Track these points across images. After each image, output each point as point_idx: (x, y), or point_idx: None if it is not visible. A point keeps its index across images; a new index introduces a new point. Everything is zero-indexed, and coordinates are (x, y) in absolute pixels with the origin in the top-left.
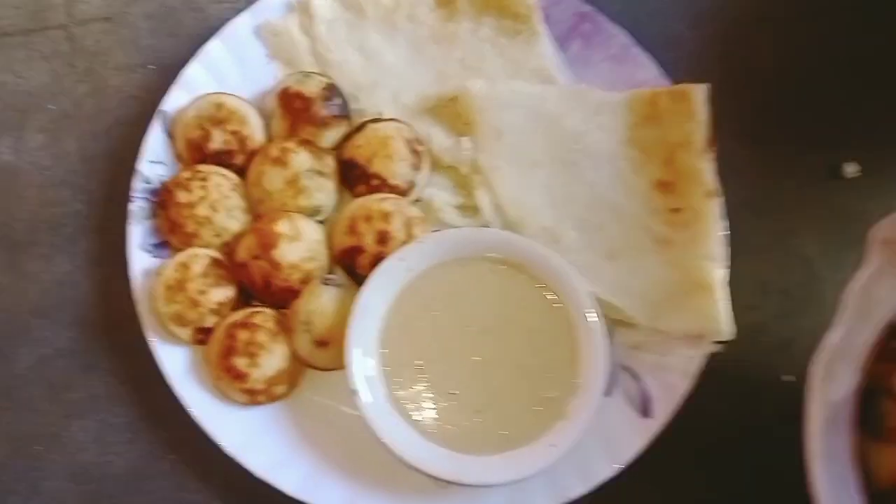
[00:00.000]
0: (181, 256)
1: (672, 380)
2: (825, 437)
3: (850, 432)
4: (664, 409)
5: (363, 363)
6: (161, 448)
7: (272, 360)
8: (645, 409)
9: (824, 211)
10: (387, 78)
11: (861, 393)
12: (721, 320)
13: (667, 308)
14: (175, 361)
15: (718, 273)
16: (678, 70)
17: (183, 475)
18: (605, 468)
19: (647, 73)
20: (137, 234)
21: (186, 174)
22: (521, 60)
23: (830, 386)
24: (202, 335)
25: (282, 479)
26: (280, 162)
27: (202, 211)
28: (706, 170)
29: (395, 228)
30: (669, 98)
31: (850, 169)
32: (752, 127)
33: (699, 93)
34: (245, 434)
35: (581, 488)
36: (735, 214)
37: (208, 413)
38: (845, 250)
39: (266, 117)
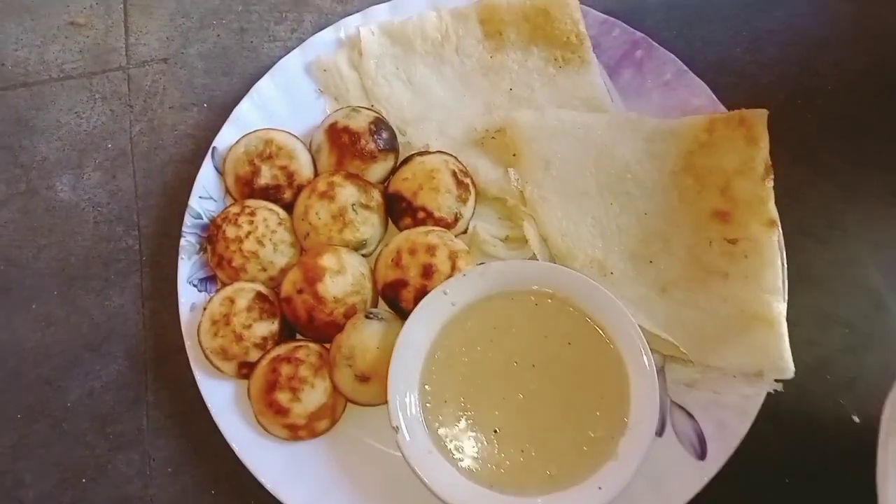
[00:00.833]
0: (227, 290)
1: (729, 419)
2: None
3: None
4: (720, 450)
5: (405, 399)
6: (202, 482)
7: (314, 395)
8: (700, 451)
9: (891, 238)
10: (434, 111)
11: None
12: (781, 357)
13: (723, 344)
14: (218, 395)
15: (778, 307)
16: (735, 96)
17: None
18: None
19: (701, 99)
20: (186, 269)
21: (235, 209)
22: (570, 90)
23: None
24: (246, 369)
25: None
26: (327, 196)
27: (249, 245)
28: (766, 198)
29: (440, 261)
30: (726, 124)
31: None
32: (813, 152)
33: (758, 118)
34: (285, 469)
35: None
36: (795, 243)
37: (250, 448)
38: None
39: (314, 152)
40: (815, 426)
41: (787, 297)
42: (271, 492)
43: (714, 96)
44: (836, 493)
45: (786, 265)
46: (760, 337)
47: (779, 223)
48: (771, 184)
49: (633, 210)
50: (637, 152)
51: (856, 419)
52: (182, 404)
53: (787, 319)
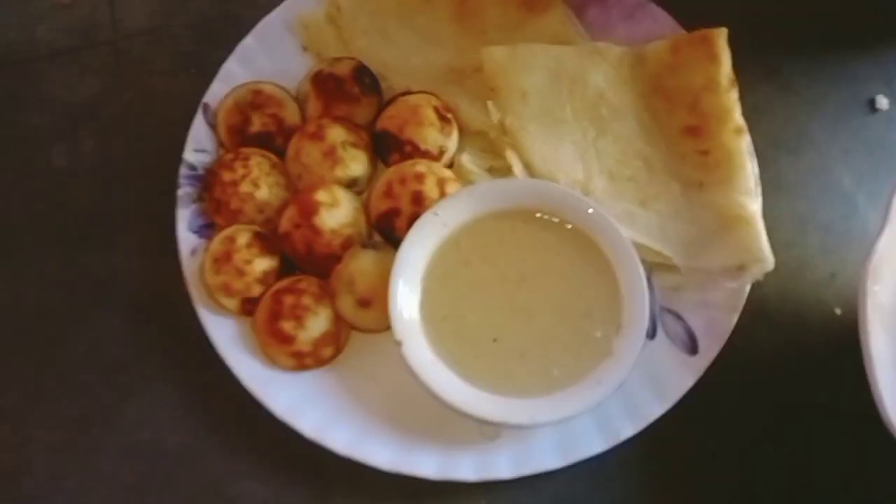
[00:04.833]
0: (227, 231)
1: (716, 315)
2: (883, 340)
3: None
4: (711, 345)
5: (406, 315)
6: (212, 423)
7: (318, 322)
8: (691, 348)
9: (858, 145)
10: (412, 57)
11: None
12: (761, 248)
13: (704, 246)
14: (223, 331)
15: (753, 205)
16: (697, 20)
17: (233, 448)
18: (654, 407)
19: (664, 26)
20: (185, 218)
21: (229, 156)
22: (540, 30)
23: (879, 288)
24: (249, 305)
25: (331, 439)
26: (316, 136)
27: (245, 188)
28: (732, 107)
29: (429, 188)
30: (689, 45)
31: (883, 102)
32: (778, 65)
33: (719, 36)
34: (294, 398)
35: (631, 429)
36: (767, 154)
37: (257, 380)
38: (883, 183)
39: (301, 101)
40: (798, 319)
41: (761, 201)
42: (281, 419)
43: (676, 23)
44: (825, 381)
45: (757, 170)
46: (740, 234)
47: (746, 130)
48: (736, 95)
49: (609, 133)
50: (608, 79)
51: (838, 311)
52: (189, 350)
53: (766, 225)
